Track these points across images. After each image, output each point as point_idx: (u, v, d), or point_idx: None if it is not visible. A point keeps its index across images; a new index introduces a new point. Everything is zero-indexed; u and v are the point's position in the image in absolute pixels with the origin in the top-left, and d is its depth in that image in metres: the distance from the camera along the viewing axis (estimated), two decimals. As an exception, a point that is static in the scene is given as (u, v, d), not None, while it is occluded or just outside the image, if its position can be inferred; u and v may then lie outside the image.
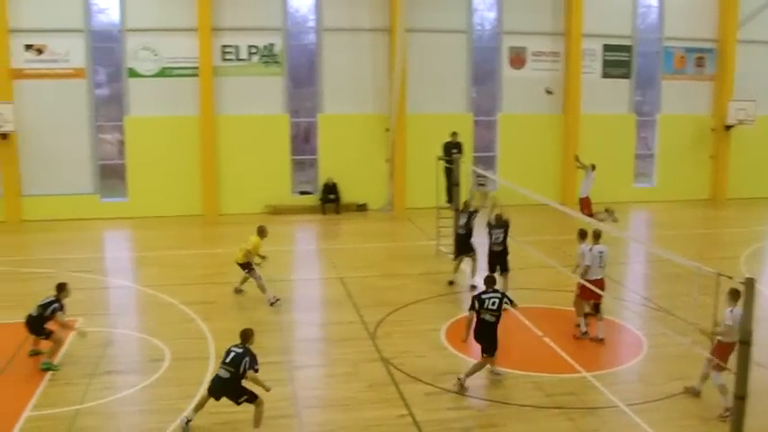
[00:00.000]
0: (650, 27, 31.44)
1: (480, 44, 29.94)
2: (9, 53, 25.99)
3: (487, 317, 12.72)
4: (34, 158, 26.60)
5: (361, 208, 28.43)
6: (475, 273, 18.29)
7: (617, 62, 30.79)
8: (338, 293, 18.04)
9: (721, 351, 11.77)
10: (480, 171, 23.28)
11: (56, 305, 13.47)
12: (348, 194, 28.38)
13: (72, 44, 26.59)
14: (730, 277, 10.41)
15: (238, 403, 11.04)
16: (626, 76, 30.95)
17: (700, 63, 31.73)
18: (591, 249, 14.89)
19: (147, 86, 27.09)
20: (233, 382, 10.93)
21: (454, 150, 22.54)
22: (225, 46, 27.35)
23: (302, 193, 28.72)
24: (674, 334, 13.80)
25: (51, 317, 13.42)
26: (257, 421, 11.04)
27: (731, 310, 11.42)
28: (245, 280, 17.46)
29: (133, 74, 27.04)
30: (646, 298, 18.22)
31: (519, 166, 29.17)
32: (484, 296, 12.87)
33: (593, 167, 24.30)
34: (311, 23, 28.42)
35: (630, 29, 30.74)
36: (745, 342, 10.10)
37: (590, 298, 15.00)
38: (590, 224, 15.75)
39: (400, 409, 11.95)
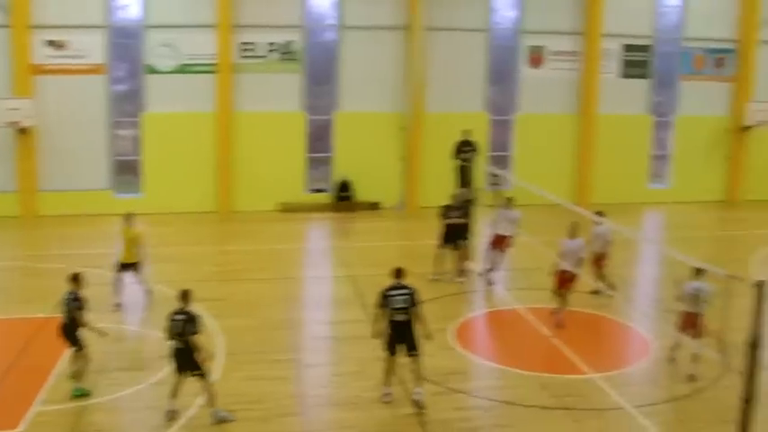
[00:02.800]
0: (670, 27, 31.21)
1: (499, 43, 29.84)
2: (30, 49, 26.18)
3: (397, 317, 12.11)
4: (51, 154, 26.75)
5: (375, 206, 28.43)
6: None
7: (636, 62, 30.60)
8: (348, 292, 18.07)
9: (687, 320, 12.80)
10: (496, 171, 23.26)
11: (75, 303, 12.23)
12: (362, 192, 28.39)
13: (92, 40, 26.70)
14: (742, 279, 10.35)
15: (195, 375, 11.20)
16: (645, 76, 30.76)
17: (719, 63, 31.48)
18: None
19: (165, 83, 27.18)
20: (188, 352, 11.08)
21: (467, 148, 22.50)
22: (244, 43, 27.40)
23: (316, 190, 28.75)
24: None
25: (76, 317, 12.21)
26: (212, 400, 11.22)
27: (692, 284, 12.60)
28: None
29: (151, 70, 27.15)
30: (656, 299, 18.15)
31: (534, 165, 29.05)
32: (390, 293, 12.17)
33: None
34: (331, 21, 28.44)
35: (650, 29, 30.54)
36: (755, 345, 10.06)
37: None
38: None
39: (407, 408, 11.97)
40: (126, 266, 16.48)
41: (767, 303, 9.95)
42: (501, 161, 29.57)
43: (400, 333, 12.12)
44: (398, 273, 12.35)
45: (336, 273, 20.40)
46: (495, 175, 26.50)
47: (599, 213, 16.76)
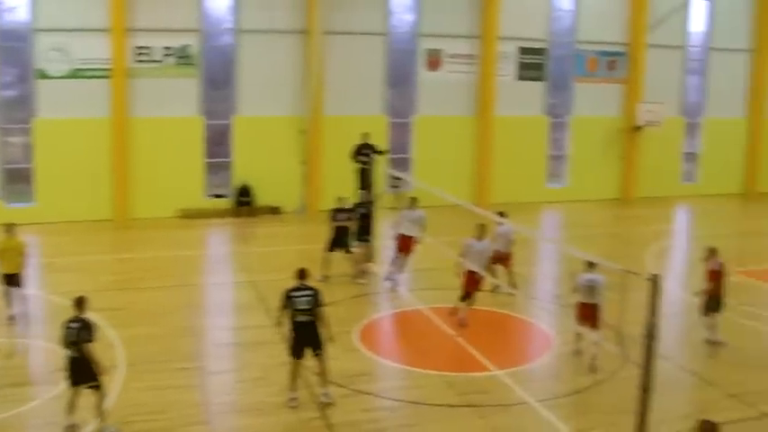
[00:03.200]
0: (564, 30, 31.99)
1: (397, 46, 30.02)
2: None
3: (300, 318, 12.05)
4: (-64, 163, 25.74)
5: (275, 210, 28.20)
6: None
7: (532, 65, 31.21)
8: (250, 297, 17.85)
9: (584, 312, 13.45)
10: (395, 172, 23.36)
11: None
12: (262, 197, 28.11)
13: (-24, 44, 25.82)
14: (637, 274, 10.61)
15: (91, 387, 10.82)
16: (540, 78, 31.40)
17: (611, 66, 32.39)
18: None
19: (57, 88, 26.35)
20: (83, 362, 10.70)
21: (367, 151, 22.55)
22: (139, 47, 26.80)
23: (216, 196, 28.34)
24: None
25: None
26: (103, 415, 10.88)
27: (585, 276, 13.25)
28: None
29: (42, 75, 26.29)
30: (556, 295, 18.50)
31: (434, 167, 29.32)
32: (293, 294, 12.10)
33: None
34: (228, 25, 28.07)
35: (545, 32, 31.21)
36: (651, 336, 10.32)
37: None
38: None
39: (313, 412, 11.88)
40: (10, 277, 15.85)
41: (660, 296, 10.26)
42: (401, 163, 29.72)
43: (304, 334, 12.04)
44: (302, 274, 12.27)
45: (238, 278, 20.13)
46: (395, 178, 26.61)
47: (500, 214, 16.97)
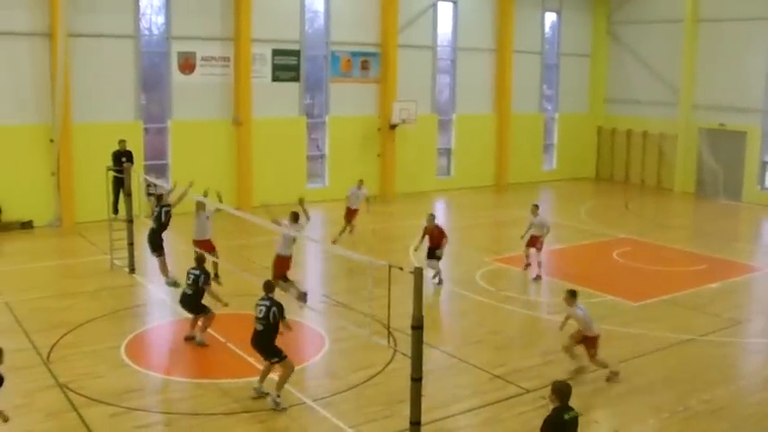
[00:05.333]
0: (317, 32, 32.39)
1: (149, 49, 29.16)
2: None
3: (256, 325, 12.52)
4: None
5: (27, 225, 26.51)
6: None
7: (286, 66, 31.33)
8: (4, 319, 16.61)
9: (591, 343, 13.67)
10: (152, 180, 22.72)
11: (203, 277, 14.81)
12: (11, 212, 26.34)
13: None
14: (401, 268, 10.90)
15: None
16: (295, 79, 31.60)
17: (365, 66, 33.16)
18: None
19: None
20: None
21: (124, 159, 21.82)
22: None
23: (-42, 213, 26.33)
24: (353, 327, 14.33)
25: (203, 290, 14.79)
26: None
27: (580, 309, 13.67)
28: None
29: None
30: (325, 295, 18.71)
31: (193, 172, 28.68)
32: (258, 303, 12.72)
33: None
34: (-43, 28, 26.07)
35: (298, 34, 31.42)
36: (418, 327, 10.66)
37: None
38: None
39: (83, 433, 11.34)
40: None
41: (423, 288, 10.66)
42: (158, 169, 28.94)
43: (256, 341, 12.57)
44: (266, 286, 12.86)
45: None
46: (152, 185, 25.88)
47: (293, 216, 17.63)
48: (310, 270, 21.90)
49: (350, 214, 24.22)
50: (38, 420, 11.78)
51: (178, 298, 15.40)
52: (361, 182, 24.83)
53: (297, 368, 13.54)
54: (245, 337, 12.89)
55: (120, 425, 11.72)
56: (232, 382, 13.18)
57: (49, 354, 14.52)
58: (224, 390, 12.88)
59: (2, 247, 24.22)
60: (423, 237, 20.02)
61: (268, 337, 12.45)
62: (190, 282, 14.85)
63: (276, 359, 12.50)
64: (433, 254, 19.57)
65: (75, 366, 13.95)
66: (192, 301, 14.87)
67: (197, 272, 14.87)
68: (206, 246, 18.06)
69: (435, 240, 19.57)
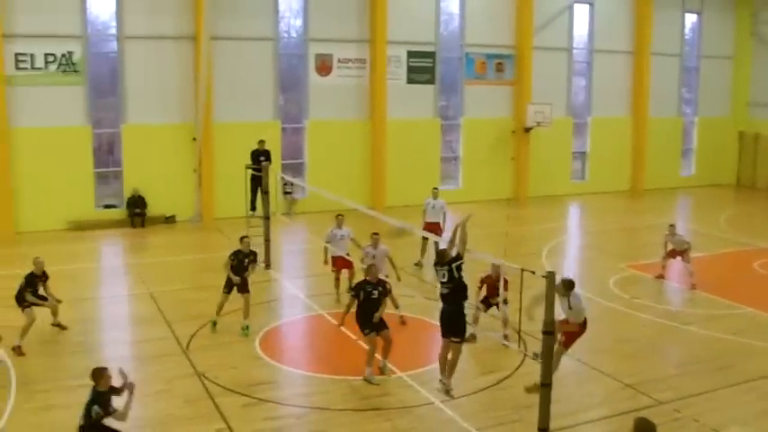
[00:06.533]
0: (452, 34, 32.46)
1: (287, 51, 29.91)
2: None
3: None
4: None
5: (170, 220, 27.69)
6: None
7: (421, 68, 31.53)
8: (148, 309, 17.46)
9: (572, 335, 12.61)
10: (288, 178, 23.24)
11: (252, 257, 15.90)
12: (155, 206, 27.55)
13: None
14: (533, 272, 10.82)
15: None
16: (430, 81, 31.75)
17: (499, 68, 33.03)
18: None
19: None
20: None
21: (262, 158, 22.40)
22: (18, 54, 25.87)
23: (107, 206, 27.66)
24: (484, 329, 14.29)
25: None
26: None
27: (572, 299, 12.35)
28: None
29: None
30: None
31: (328, 172, 29.32)
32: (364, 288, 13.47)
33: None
34: (112, 31, 27.43)
35: (434, 36, 31.58)
36: (549, 332, 10.57)
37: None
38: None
39: (218, 423, 11.73)
40: None
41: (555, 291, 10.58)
42: (295, 168, 29.63)
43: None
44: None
45: (134, 291, 19.60)
46: (288, 183, 26.50)
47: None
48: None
49: (431, 228, 19.91)
50: (177, 406, 12.27)
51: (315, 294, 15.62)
52: (436, 191, 22.20)
53: (426, 368, 13.65)
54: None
55: (252, 415, 12.04)
56: (361, 379, 13.33)
57: (188, 343, 15.10)
58: (353, 387, 13.06)
59: (147, 240, 25.43)
60: (481, 287, 15.43)
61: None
62: None
63: (458, 339, 11.98)
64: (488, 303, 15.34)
65: (212, 356, 14.45)
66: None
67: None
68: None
69: (492, 290, 15.01)
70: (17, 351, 14.48)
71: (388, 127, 30.44)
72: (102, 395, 9.83)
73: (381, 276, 14.23)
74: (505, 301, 14.54)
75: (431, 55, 31.62)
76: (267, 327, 16.26)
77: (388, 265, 16.51)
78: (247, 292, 15.90)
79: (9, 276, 19.96)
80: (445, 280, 11.69)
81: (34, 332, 15.37)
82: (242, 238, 16.23)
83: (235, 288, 15.89)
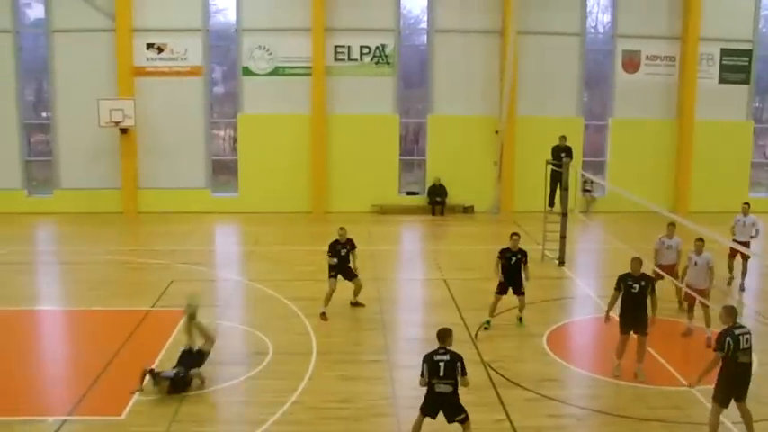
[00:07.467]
0: (772, 31, 30.51)
1: (593, 47, 29.54)
2: (132, 52, 27.00)
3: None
4: (151, 153, 27.57)
5: (468, 210, 28.41)
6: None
7: (735, 67, 29.87)
8: (441, 295, 18.10)
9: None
10: (588, 176, 22.98)
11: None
12: (455, 196, 28.39)
13: (190, 43, 27.45)
14: None
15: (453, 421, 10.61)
16: (745, 81, 30.00)
17: (825, 69, 30.58)
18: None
19: (260, 85, 27.72)
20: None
21: (563, 154, 22.31)
22: (337, 46, 27.73)
23: (409, 193, 28.89)
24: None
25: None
26: None
27: None
28: None
29: (247, 72, 27.70)
30: (758, 312, 17.63)
31: (629, 171, 28.64)
32: (627, 281, 13.25)
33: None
34: (423, 25, 28.54)
35: (751, 33, 29.78)
36: None
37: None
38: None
39: (498, 414, 11.90)
40: None
41: None
42: (595, 167, 29.22)
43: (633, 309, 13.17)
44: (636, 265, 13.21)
45: (429, 276, 20.41)
46: (587, 181, 26.20)
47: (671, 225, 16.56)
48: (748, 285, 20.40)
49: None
50: (463, 392, 12.58)
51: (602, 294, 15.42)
52: (746, 206, 19.32)
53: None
54: (669, 344, 12.62)
55: (534, 410, 12.09)
56: (648, 387, 12.96)
57: (477, 332, 15.46)
58: (639, 394, 12.73)
59: (445, 228, 26.32)
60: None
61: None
62: None
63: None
64: None
65: (499, 347, 14.69)
66: None
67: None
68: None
69: None
70: (323, 317, 15.91)
71: (695, 128, 29.15)
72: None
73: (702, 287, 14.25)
74: None
75: (747, 53, 29.84)
76: (556, 324, 16.25)
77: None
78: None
79: (318, 252, 21.50)
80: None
81: (337, 306, 16.47)
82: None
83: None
